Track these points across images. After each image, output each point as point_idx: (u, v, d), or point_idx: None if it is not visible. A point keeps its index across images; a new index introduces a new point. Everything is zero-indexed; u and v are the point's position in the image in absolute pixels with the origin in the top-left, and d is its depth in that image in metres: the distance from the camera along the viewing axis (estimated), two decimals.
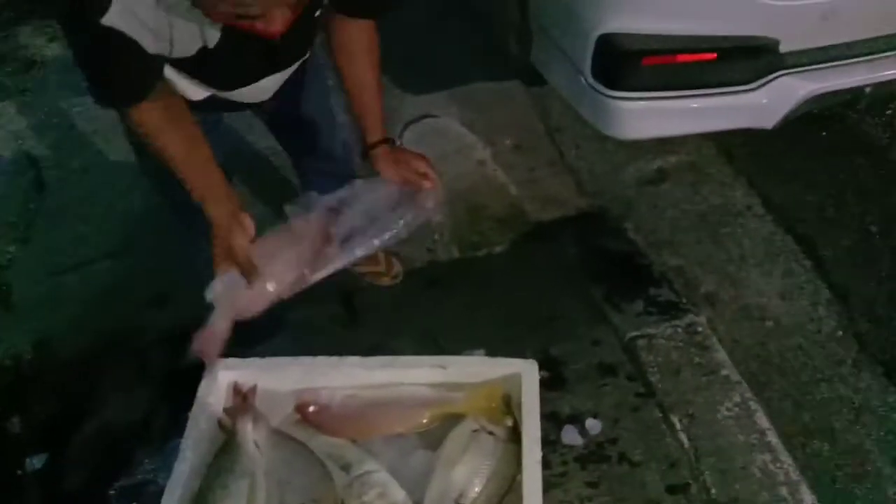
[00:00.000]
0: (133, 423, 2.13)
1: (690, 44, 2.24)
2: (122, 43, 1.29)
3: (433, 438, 1.43)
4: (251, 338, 2.06)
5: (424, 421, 1.46)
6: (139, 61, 1.35)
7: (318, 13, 1.51)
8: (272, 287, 1.50)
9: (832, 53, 2.34)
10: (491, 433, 1.40)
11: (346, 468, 1.40)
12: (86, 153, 2.98)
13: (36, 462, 2.10)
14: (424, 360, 1.52)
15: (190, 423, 1.41)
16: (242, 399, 1.47)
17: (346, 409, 1.47)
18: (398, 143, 1.83)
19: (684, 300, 2.40)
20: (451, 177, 2.70)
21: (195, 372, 1.49)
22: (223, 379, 1.49)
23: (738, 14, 2.22)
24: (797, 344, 2.36)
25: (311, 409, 1.48)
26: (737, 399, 2.13)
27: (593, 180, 2.83)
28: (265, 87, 1.65)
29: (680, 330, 2.29)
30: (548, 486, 1.84)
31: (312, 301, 2.25)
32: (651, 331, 2.28)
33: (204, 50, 1.39)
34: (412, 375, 1.50)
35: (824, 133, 2.95)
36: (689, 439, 2.05)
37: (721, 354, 2.24)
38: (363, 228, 1.61)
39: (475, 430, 1.41)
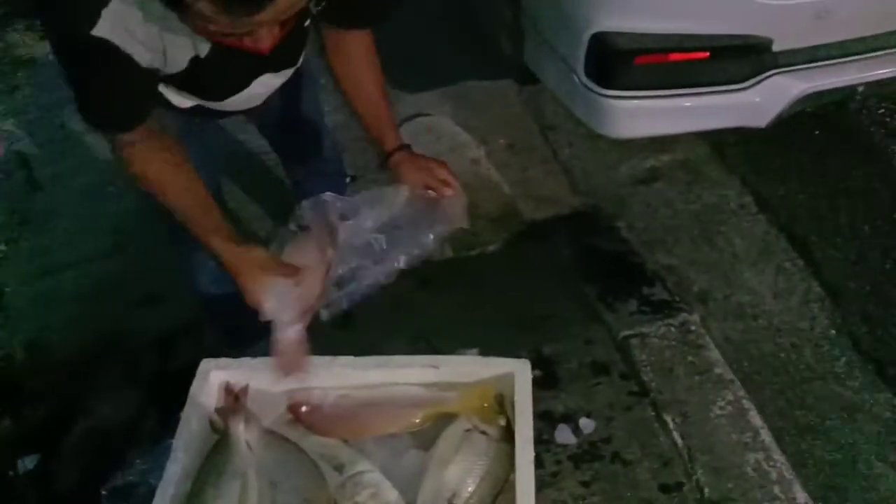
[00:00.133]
0: (125, 424, 2.12)
1: (683, 43, 2.24)
2: (113, 56, 1.26)
3: (426, 438, 1.43)
4: (243, 338, 2.06)
5: (417, 421, 1.45)
6: (133, 76, 1.31)
7: (307, 22, 1.49)
8: (319, 268, 1.48)
9: (825, 52, 2.34)
10: (484, 433, 1.40)
11: (338, 468, 1.40)
12: (77, 152, 2.97)
13: (28, 463, 2.09)
14: (417, 360, 1.52)
15: (182, 424, 1.41)
16: (234, 399, 1.46)
17: (339, 409, 1.47)
18: None
19: (677, 299, 2.40)
20: None
21: (187, 372, 1.48)
22: (215, 379, 1.48)
23: (730, 13, 2.22)
24: (790, 342, 2.37)
25: (304, 409, 1.47)
26: (730, 398, 2.13)
27: (586, 179, 2.83)
28: (256, 95, 1.63)
29: (673, 329, 2.29)
30: (541, 486, 1.85)
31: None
32: (644, 330, 2.28)
33: (195, 60, 1.36)
34: (405, 375, 1.50)
35: (817, 132, 2.96)
36: (683, 438, 2.05)
37: (714, 353, 2.24)
38: (396, 242, 1.60)
39: (468, 430, 1.40)
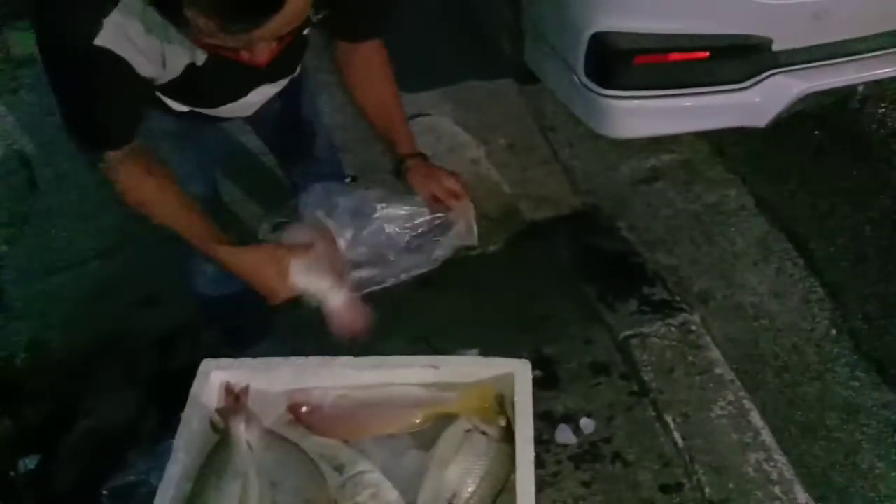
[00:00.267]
0: (125, 424, 2.13)
1: (683, 42, 2.24)
2: (114, 66, 1.25)
3: (426, 439, 1.43)
4: (243, 339, 2.07)
5: (417, 421, 1.45)
6: (130, 88, 1.31)
7: (306, 30, 1.48)
8: (325, 237, 1.49)
9: (825, 52, 2.34)
10: (484, 433, 1.40)
11: (338, 469, 1.39)
12: (78, 153, 2.96)
13: (28, 463, 2.09)
14: (417, 360, 1.52)
15: (182, 424, 1.41)
16: (235, 399, 1.46)
17: (339, 410, 1.47)
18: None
19: (678, 299, 2.40)
20: None
21: (187, 372, 1.48)
22: (215, 379, 1.48)
23: (730, 13, 2.22)
24: (790, 342, 2.37)
25: (304, 409, 1.47)
26: (730, 398, 2.13)
27: (587, 179, 2.83)
28: (251, 103, 1.63)
29: (673, 329, 2.29)
30: (541, 486, 1.85)
31: (304, 302, 2.26)
32: (644, 330, 2.28)
33: (191, 67, 1.36)
34: (405, 375, 1.50)
35: (817, 132, 2.96)
36: (683, 438, 2.05)
37: (715, 353, 2.24)
38: (404, 252, 1.60)
39: (468, 430, 1.40)
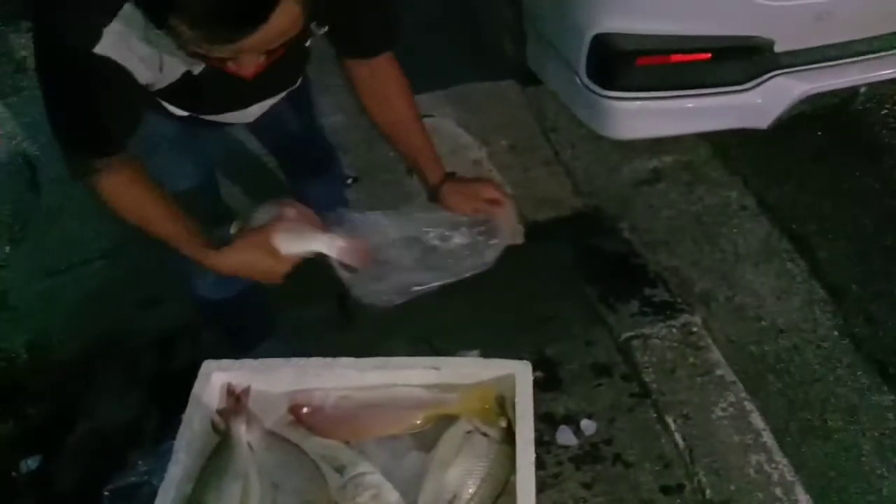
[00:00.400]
0: (127, 425, 2.13)
1: (685, 44, 2.24)
2: (113, 74, 1.24)
3: (427, 440, 1.43)
4: (245, 339, 2.07)
5: (418, 422, 1.45)
6: (126, 97, 1.31)
7: (308, 42, 1.47)
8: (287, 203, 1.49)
9: (827, 53, 2.34)
10: (485, 434, 1.40)
11: (339, 470, 1.39)
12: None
13: (30, 463, 2.09)
14: (418, 362, 1.51)
15: (183, 425, 1.40)
16: (236, 400, 1.46)
17: (340, 411, 1.46)
18: None
19: (679, 300, 2.40)
20: None
21: (188, 373, 1.48)
22: (217, 380, 1.48)
23: (732, 14, 2.22)
24: (792, 344, 2.36)
25: (305, 410, 1.47)
26: (731, 399, 2.13)
27: (588, 180, 2.83)
28: (250, 113, 1.62)
29: (675, 330, 2.29)
30: (542, 487, 1.85)
31: (305, 302, 2.27)
32: (646, 331, 2.28)
33: (188, 75, 1.35)
34: (406, 376, 1.50)
35: (819, 133, 2.96)
36: (684, 439, 2.05)
37: (716, 354, 2.24)
38: (452, 256, 1.61)
39: (469, 432, 1.40)
